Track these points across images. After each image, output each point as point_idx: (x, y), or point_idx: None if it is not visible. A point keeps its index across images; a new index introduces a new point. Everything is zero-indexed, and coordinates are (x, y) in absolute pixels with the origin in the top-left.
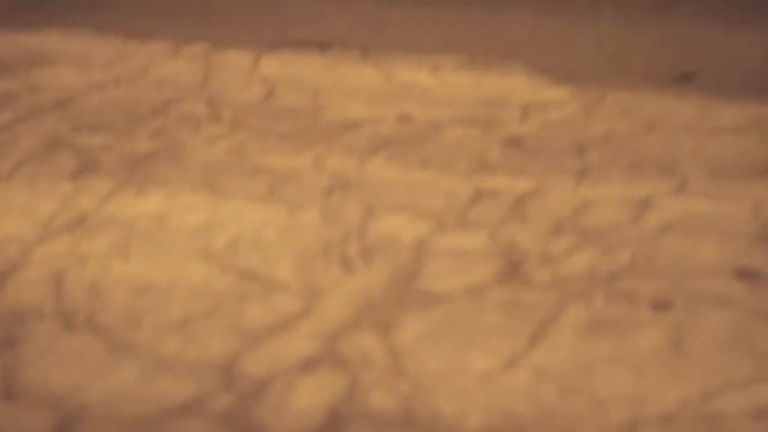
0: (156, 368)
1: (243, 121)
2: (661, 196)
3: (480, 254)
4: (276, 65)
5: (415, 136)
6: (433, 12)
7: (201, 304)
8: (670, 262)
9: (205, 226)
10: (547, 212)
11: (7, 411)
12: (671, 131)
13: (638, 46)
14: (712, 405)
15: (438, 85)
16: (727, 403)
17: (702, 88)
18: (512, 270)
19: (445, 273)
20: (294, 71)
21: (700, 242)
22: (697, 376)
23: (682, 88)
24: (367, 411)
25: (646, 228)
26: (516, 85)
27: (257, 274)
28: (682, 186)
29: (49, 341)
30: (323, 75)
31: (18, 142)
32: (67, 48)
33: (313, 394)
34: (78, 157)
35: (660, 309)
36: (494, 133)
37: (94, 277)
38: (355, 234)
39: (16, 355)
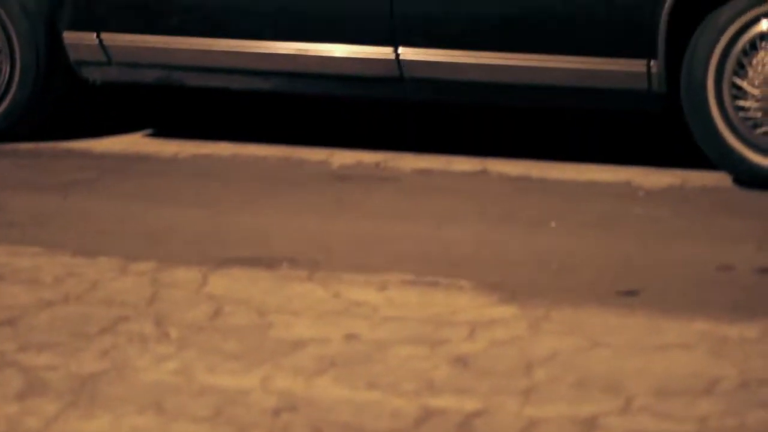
0: None
1: (190, 340)
2: (606, 415)
3: None
4: (223, 283)
5: (361, 356)
6: (379, 227)
7: None
8: None
9: None
10: None
11: None
12: (617, 348)
13: (583, 261)
14: None
15: (385, 303)
16: None
17: (646, 303)
18: None
19: None
20: (241, 289)
21: None
22: None
23: (626, 303)
24: None
25: None
26: (462, 303)
27: None
28: (628, 404)
29: None
30: (270, 293)
31: None
32: (14, 265)
33: None
34: (24, 378)
35: None
36: (441, 352)
37: None
38: None
39: None
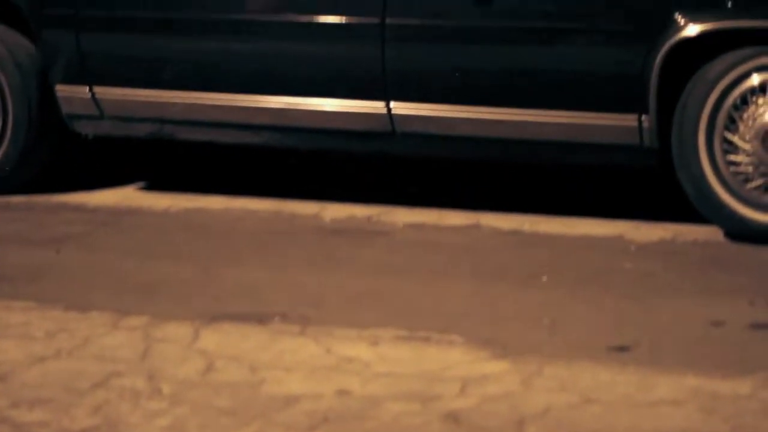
0: None
1: (183, 395)
2: None
3: None
4: (215, 338)
5: (354, 412)
6: (371, 281)
7: None
8: None
9: None
10: None
11: None
12: (608, 404)
13: (575, 316)
14: None
15: (377, 359)
16: None
17: (638, 359)
18: None
19: None
20: (233, 345)
21: None
22: None
23: (618, 359)
24: None
25: None
26: (455, 359)
27: None
28: None
29: None
30: (262, 349)
31: None
32: (6, 319)
33: None
34: None
35: None
36: (433, 408)
37: None
38: None
39: None
